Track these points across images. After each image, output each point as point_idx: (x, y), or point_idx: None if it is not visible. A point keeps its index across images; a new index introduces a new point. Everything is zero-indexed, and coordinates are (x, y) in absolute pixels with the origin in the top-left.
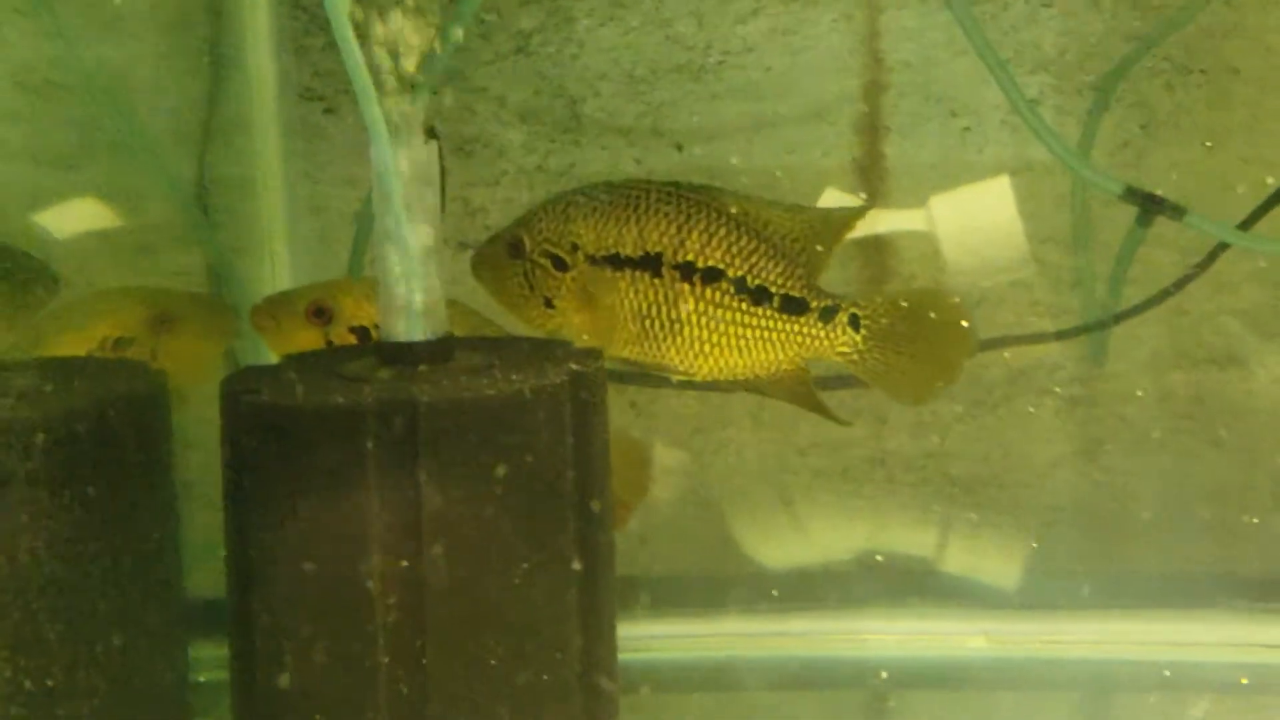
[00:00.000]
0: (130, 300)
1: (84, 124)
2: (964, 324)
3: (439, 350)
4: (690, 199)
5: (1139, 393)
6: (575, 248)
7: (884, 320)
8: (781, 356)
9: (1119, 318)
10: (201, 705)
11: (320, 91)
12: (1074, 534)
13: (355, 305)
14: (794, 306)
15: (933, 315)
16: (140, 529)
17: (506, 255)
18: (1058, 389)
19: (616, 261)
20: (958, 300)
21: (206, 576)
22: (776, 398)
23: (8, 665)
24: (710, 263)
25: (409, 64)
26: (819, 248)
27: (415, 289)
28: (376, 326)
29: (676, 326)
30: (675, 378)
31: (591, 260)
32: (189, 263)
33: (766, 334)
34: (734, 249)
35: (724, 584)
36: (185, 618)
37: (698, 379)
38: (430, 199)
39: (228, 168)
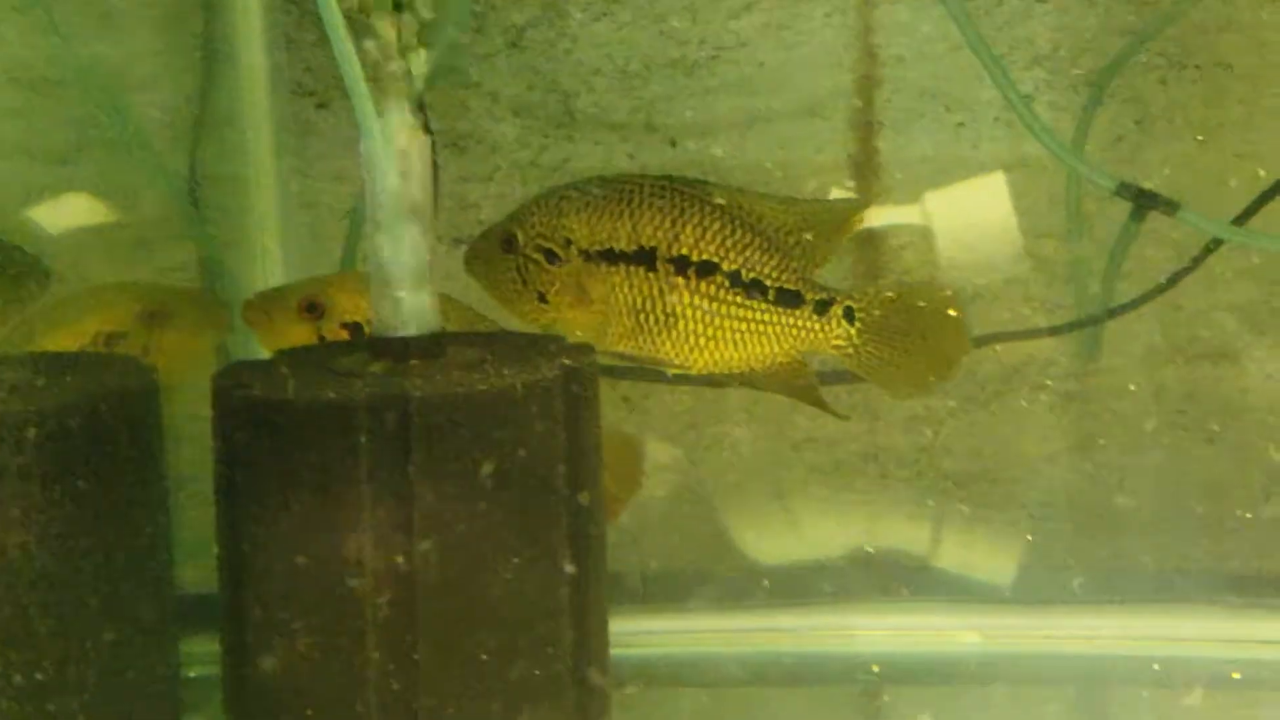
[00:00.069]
0: (122, 295)
1: (78, 120)
2: (958, 318)
3: (431, 345)
4: (684, 193)
5: (1132, 388)
6: (569, 242)
7: (879, 313)
8: (776, 350)
9: (1112, 313)
10: (193, 700)
11: (312, 87)
12: (1067, 529)
13: (348, 301)
14: (789, 300)
15: (928, 309)
16: (132, 524)
17: (500, 250)
18: (1051, 384)
19: (610, 256)
20: (952, 294)
21: (199, 571)
22: (772, 391)
23: None
24: (704, 256)
25: (402, 57)
26: (809, 237)
27: (407, 284)
28: (369, 322)
29: (671, 320)
30: (670, 372)
31: (585, 255)
32: (183, 258)
33: (761, 327)
34: (728, 242)
35: (717, 579)
36: (177, 612)
37: (693, 373)
38: (422, 194)
39: (220, 163)
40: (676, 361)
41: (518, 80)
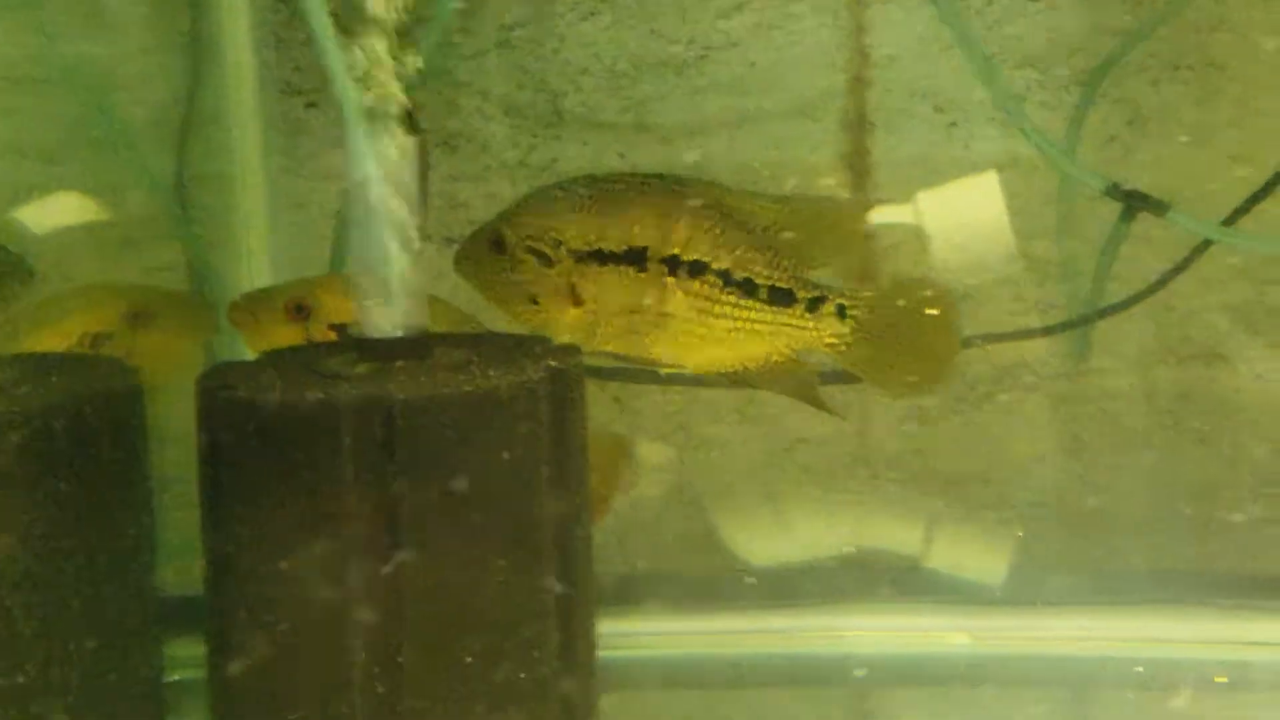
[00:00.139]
0: (107, 296)
1: (65, 119)
2: (951, 316)
3: (417, 347)
4: (673, 192)
5: (1124, 388)
6: (559, 243)
7: (871, 311)
8: (769, 348)
9: (1103, 313)
10: (178, 703)
11: (301, 86)
12: (1057, 529)
13: (335, 302)
14: (780, 298)
15: (920, 306)
16: (115, 526)
17: (489, 251)
18: (1043, 384)
19: (601, 256)
20: (946, 291)
21: (184, 573)
22: (768, 390)
23: None
24: (695, 256)
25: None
26: (802, 235)
27: (393, 285)
28: (356, 323)
29: (663, 321)
30: (663, 372)
31: (575, 255)
32: (171, 258)
33: (754, 326)
34: (719, 241)
35: (707, 581)
36: (161, 615)
37: (685, 373)
38: (409, 194)
39: (207, 163)
40: (669, 361)
41: (507, 80)
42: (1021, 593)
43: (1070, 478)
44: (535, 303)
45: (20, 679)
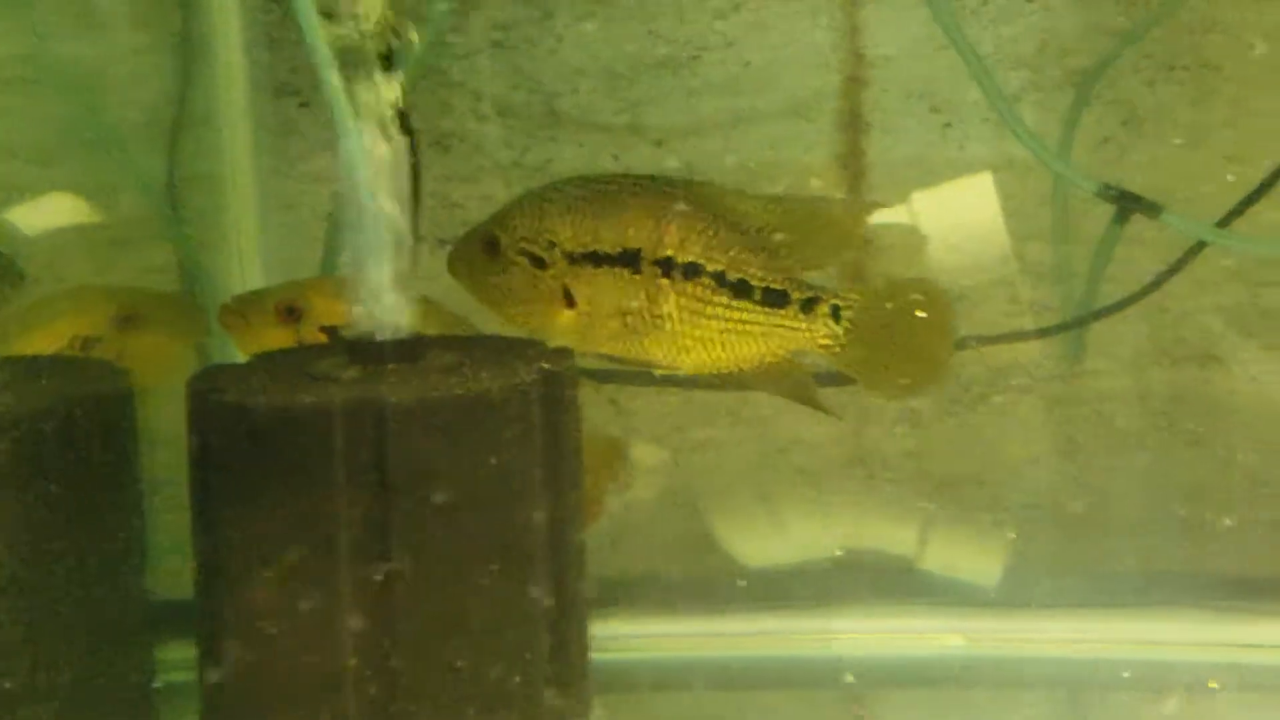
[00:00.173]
0: (97, 298)
1: (58, 119)
2: (946, 317)
3: (408, 349)
4: (667, 193)
5: (1119, 390)
6: (552, 245)
7: (866, 312)
8: (764, 349)
9: (1097, 315)
10: (170, 707)
11: (295, 86)
12: (1051, 531)
13: (326, 304)
14: (775, 299)
15: (915, 307)
16: (105, 529)
17: (483, 253)
18: (1037, 385)
19: (595, 258)
20: (941, 292)
21: (176, 576)
22: (764, 391)
23: None
24: (690, 258)
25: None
26: (795, 236)
27: (384, 287)
28: (348, 325)
29: (657, 322)
30: (658, 373)
31: (569, 258)
32: (164, 259)
33: (748, 327)
34: (713, 243)
35: (701, 583)
36: (153, 619)
37: (680, 374)
38: (401, 196)
39: (198, 164)
40: (664, 363)
41: (502, 80)
42: (1015, 595)
43: (1064, 479)
44: (528, 305)
45: (7, 684)
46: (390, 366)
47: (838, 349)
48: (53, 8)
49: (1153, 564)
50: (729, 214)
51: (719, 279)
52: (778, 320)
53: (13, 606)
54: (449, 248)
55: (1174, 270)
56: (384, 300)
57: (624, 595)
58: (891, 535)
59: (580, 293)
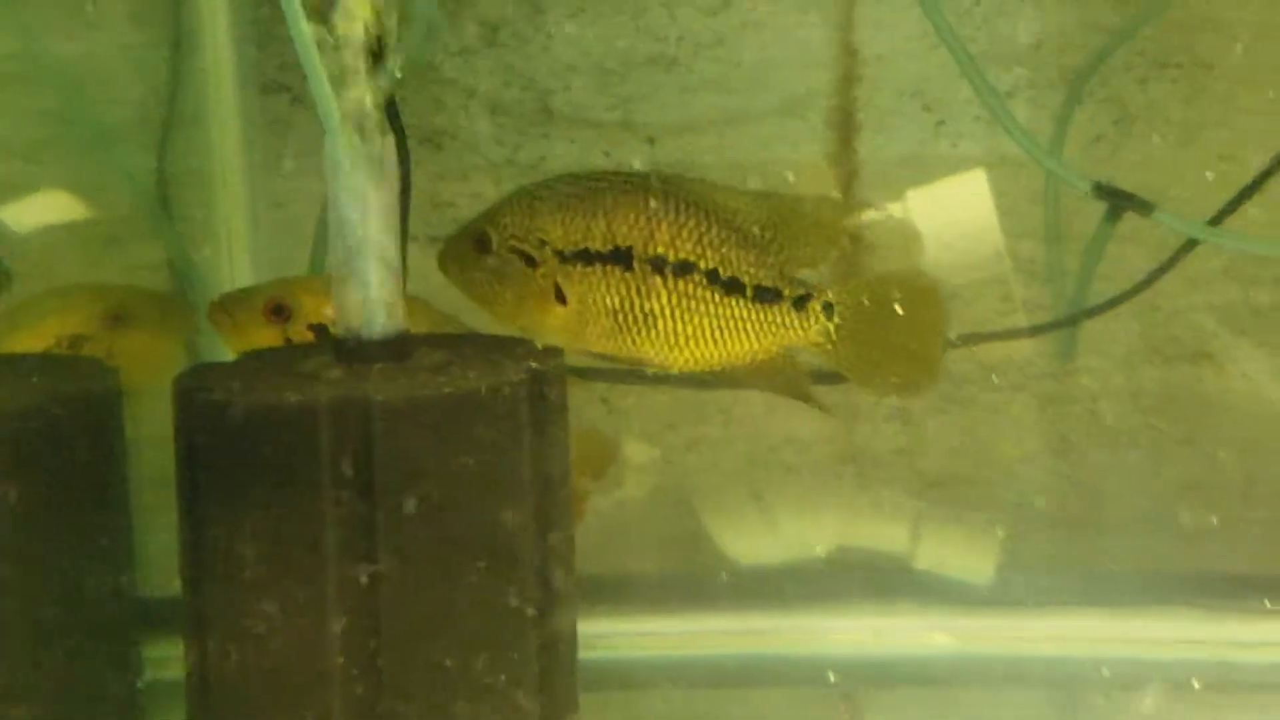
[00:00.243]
0: (86, 297)
1: (48, 117)
2: (939, 313)
3: (395, 348)
4: (658, 190)
5: (1111, 388)
6: (543, 243)
7: (858, 308)
8: (756, 346)
9: (1089, 313)
10: (157, 705)
11: (287, 83)
12: (1043, 530)
13: (314, 302)
14: (766, 296)
15: (908, 302)
16: (91, 528)
17: (473, 251)
18: (1029, 384)
19: (586, 256)
20: (934, 288)
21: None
22: (757, 389)
23: None
24: (681, 256)
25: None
26: (787, 232)
27: (371, 286)
28: (336, 324)
29: (650, 320)
30: (650, 371)
31: (560, 256)
32: (155, 257)
33: (740, 324)
34: (704, 240)
35: (691, 581)
36: (140, 617)
37: (673, 371)
38: (388, 193)
39: (187, 161)
40: (656, 361)
41: (493, 77)
42: (1006, 593)
43: (1056, 477)
44: (520, 303)
45: None
46: (377, 365)
47: (829, 346)
48: (44, 5)
49: (1145, 562)
50: (720, 211)
51: (711, 276)
52: (769, 317)
53: None
54: (440, 245)
55: (1165, 268)
56: (372, 299)
57: (613, 593)
58: (881, 534)
59: (571, 291)
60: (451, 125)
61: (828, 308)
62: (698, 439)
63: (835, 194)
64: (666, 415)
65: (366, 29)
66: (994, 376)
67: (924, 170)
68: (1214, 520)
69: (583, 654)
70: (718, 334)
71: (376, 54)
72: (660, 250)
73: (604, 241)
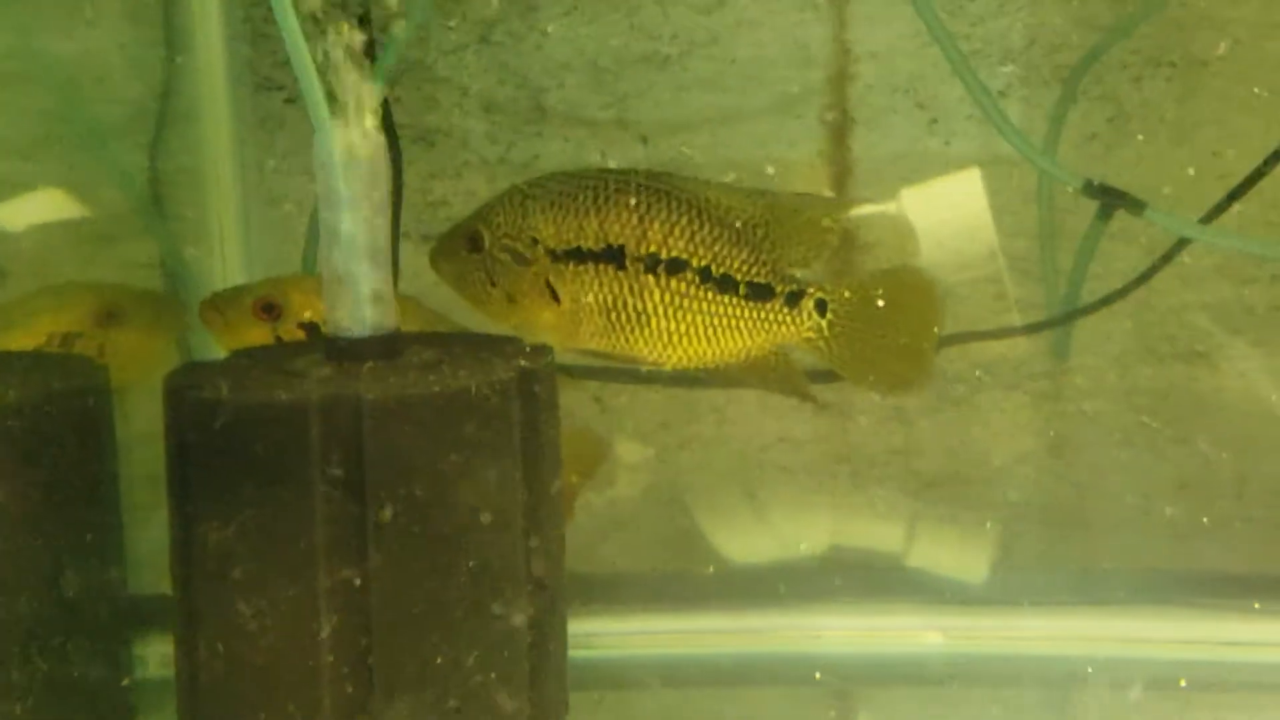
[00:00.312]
0: (77, 295)
1: (43, 114)
2: (932, 310)
3: (386, 346)
4: (650, 188)
5: (1105, 387)
6: (535, 242)
7: (851, 304)
8: (749, 343)
9: (1083, 312)
10: (148, 702)
11: (281, 81)
12: (1037, 529)
13: (304, 301)
14: (759, 293)
15: (901, 298)
16: (81, 526)
17: (465, 249)
18: (1024, 382)
19: (578, 255)
20: (928, 285)
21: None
22: (750, 385)
23: None
24: (674, 254)
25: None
26: (780, 230)
27: (362, 284)
28: (327, 322)
29: (643, 318)
30: (644, 368)
31: (552, 255)
32: (148, 255)
33: (733, 322)
34: (697, 238)
35: (685, 580)
36: (131, 614)
37: (666, 369)
38: (379, 192)
39: (180, 159)
40: (649, 359)
41: (487, 75)
42: (999, 592)
43: (1050, 476)
44: (512, 301)
45: None
46: (368, 364)
47: (822, 343)
48: (42, 3)
49: (1138, 561)
50: (712, 209)
51: (703, 274)
52: (762, 315)
53: None
54: (433, 244)
55: (1157, 268)
56: (362, 297)
57: (605, 592)
58: (875, 533)
59: (564, 289)
60: (445, 123)
61: (821, 305)
62: (691, 438)
63: (827, 191)
64: (660, 414)
65: (358, 26)
66: (978, 371)
67: (917, 168)
68: (1208, 518)
69: (575, 653)
70: (711, 331)
71: (368, 52)
72: (652, 248)
73: (596, 240)
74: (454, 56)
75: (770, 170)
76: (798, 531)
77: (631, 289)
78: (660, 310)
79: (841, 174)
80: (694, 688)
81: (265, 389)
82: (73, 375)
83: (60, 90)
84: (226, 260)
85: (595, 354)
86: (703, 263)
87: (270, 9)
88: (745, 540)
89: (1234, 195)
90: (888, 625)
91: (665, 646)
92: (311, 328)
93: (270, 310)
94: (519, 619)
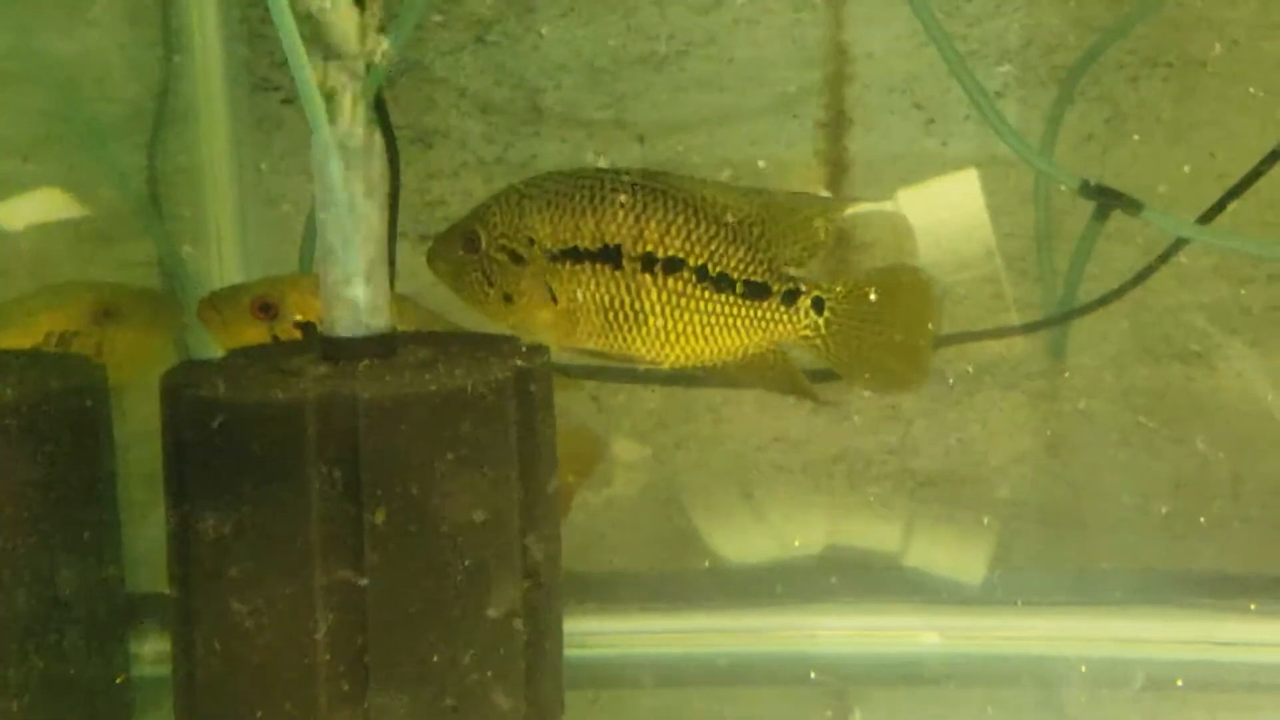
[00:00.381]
0: (75, 294)
1: (42, 114)
2: (928, 308)
3: (382, 346)
4: (646, 188)
5: (1101, 386)
6: (532, 242)
7: (847, 302)
8: (747, 342)
9: (1079, 312)
10: (146, 700)
11: (278, 81)
12: (1034, 529)
13: (301, 300)
14: (756, 292)
15: (898, 295)
16: (79, 524)
17: (462, 249)
18: (1021, 382)
19: (575, 255)
20: (925, 284)
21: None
22: (747, 384)
23: None
24: (670, 253)
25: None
26: (776, 228)
27: (358, 284)
28: (323, 321)
29: (640, 318)
30: (642, 367)
31: (549, 255)
32: (146, 254)
33: (730, 320)
34: (693, 237)
35: (682, 579)
36: (129, 612)
37: (663, 368)
38: (376, 191)
39: (177, 159)
40: (647, 358)
41: (484, 76)
42: (996, 592)
43: (1047, 476)
44: (509, 301)
45: None
46: (364, 363)
47: (819, 341)
48: (39, 3)
49: (1135, 560)
50: (709, 208)
51: (700, 273)
52: (759, 313)
53: None
54: (430, 244)
55: (1154, 267)
56: (359, 297)
57: (602, 591)
58: (871, 533)
59: (561, 289)
60: (442, 124)
61: (817, 303)
62: (687, 437)
63: (823, 190)
64: (656, 413)
65: (354, 27)
66: (969, 368)
67: (914, 168)
68: (1205, 518)
69: (571, 652)
70: (708, 330)
71: (364, 52)
72: (649, 248)
73: (593, 240)
74: (451, 57)
75: (761, 164)
76: (794, 531)
77: (628, 288)
78: (657, 309)
79: (838, 174)
80: (690, 687)
81: (262, 388)
82: (70, 374)
83: (60, 90)
84: (224, 260)
85: (592, 353)
86: (699, 262)
87: (267, 9)
88: (742, 540)
89: (1231, 195)
90: (884, 625)
91: (661, 646)
92: (308, 327)
93: (267, 310)
94: (515, 618)
